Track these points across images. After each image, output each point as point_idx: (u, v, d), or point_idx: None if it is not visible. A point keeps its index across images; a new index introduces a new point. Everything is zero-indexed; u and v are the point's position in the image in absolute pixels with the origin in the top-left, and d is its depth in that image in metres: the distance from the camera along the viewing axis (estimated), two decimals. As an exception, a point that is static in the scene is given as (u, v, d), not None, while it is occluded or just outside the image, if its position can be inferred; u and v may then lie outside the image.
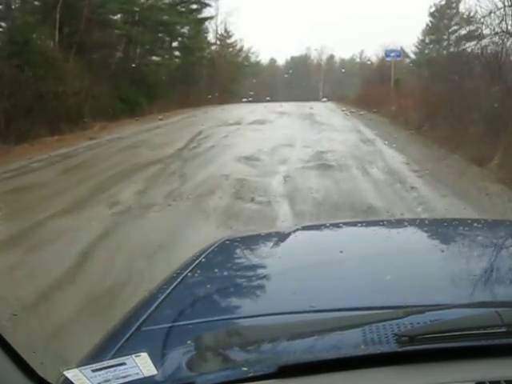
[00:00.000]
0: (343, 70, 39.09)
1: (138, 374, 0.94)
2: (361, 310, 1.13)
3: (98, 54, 20.57)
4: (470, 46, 14.08)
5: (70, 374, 0.93)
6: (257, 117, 19.58)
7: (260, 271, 1.51)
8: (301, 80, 39.32)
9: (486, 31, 12.43)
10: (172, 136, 14.48)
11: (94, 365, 0.96)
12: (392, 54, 25.19)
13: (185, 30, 28.54)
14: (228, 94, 30.58)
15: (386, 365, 0.95)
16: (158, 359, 1.00)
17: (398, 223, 2.06)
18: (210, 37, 32.91)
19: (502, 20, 11.79)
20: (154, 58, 27.34)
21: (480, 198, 6.98)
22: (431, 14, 29.30)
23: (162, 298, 1.32)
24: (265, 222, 5.97)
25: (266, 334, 1.02)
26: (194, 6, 29.70)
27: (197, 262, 1.55)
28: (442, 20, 28.78)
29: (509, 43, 11.80)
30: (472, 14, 12.93)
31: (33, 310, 3.74)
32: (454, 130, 11.67)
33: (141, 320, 1.21)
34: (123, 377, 0.94)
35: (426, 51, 30.08)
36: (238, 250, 1.77)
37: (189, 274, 1.46)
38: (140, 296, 1.45)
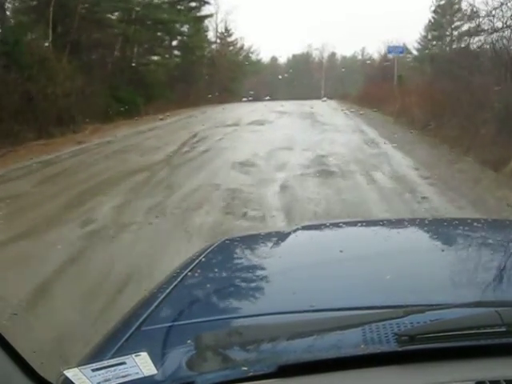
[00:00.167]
0: (343, 70, 39.05)
1: (137, 373, 0.95)
2: (361, 310, 1.13)
3: (94, 54, 20.39)
4: (477, 40, 13.33)
5: (70, 373, 0.94)
6: (256, 117, 19.31)
7: (260, 271, 1.51)
8: (302, 78, 39.16)
9: (498, 24, 11.81)
10: (165, 139, 13.83)
11: (93, 364, 0.96)
12: (395, 50, 25.07)
13: (184, 28, 28.57)
14: (228, 93, 30.52)
15: (386, 364, 0.95)
16: (157, 359, 1.00)
17: (398, 223, 2.06)
18: (210, 35, 33.01)
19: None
20: (154, 57, 27.35)
21: (501, 211, 6.21)
22: (433, 11, 29.28)
23: (162, 297, 1.32)
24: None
25: (265, 334, 1.02)
26: (193, 4, 29.74)
27: (197, 261, 1.56)
28: (444, 16, 28.71)
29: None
30: (479, 8, 12.36)
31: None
32: (464, 129, 11.06)
33: (141, 319, 1.21)
34: (123, 376, 0.94)
35: (429, 48, 30.00)
36: (237, 250, 1.78)
37: (189, 273, 1.47)
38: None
